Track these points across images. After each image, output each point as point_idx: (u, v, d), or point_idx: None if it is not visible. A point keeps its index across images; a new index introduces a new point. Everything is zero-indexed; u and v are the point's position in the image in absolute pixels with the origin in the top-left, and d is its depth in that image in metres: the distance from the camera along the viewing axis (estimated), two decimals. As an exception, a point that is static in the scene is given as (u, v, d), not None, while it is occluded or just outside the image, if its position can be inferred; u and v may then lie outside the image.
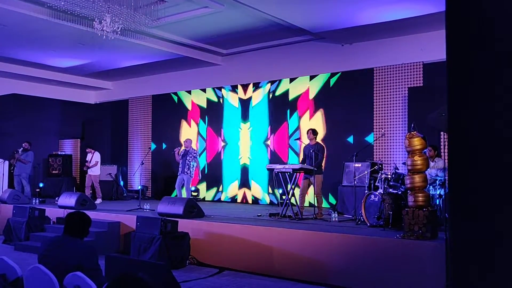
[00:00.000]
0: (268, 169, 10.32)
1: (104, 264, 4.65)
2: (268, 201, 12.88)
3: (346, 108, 11.75)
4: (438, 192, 7.91)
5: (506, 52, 2.48)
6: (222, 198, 13.83)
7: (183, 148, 11.75)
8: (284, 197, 9.59)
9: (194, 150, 11.81)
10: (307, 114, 12.36)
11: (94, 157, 12.87)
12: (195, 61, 13.54)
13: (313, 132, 9.68)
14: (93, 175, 12.82)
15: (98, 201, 12.57)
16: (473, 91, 2.54)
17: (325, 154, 9.75)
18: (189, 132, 14.65)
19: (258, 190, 13.13)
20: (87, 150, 13.12)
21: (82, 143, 16.91)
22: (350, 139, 11.64)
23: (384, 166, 10.05)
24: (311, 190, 9.63)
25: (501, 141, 2.36)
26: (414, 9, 9.31)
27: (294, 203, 9.27)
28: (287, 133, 12.71)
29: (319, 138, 10.23)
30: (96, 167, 12.84)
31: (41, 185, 14.60)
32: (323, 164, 9.78)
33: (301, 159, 10.55)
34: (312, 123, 12.02)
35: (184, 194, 11.57)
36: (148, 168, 15.48)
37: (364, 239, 6.89)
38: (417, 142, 6.76)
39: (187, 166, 11.45)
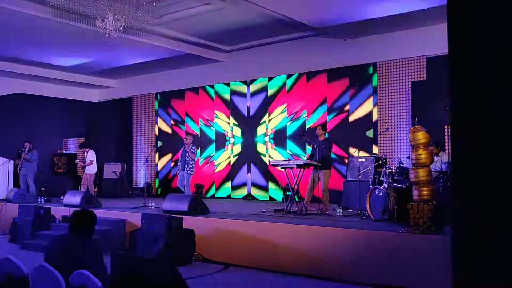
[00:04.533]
0: (272, 164, 10.31)
1: (110, 261, 4.67)
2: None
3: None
4: (443, 186, 7.90)
5: (507, 47, 2.47)
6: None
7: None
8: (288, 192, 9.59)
9: (193, 146, 11.70)
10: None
11: (89, 155, 12.82)
12: (198, 58, 13.53)
13: (323, 127, 9.69)
14: (88, 174, 12.78)
15: None
16: (475, 85, 2.53)
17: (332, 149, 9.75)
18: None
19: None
20: (81, 150, 13.06)
21: (86, 142, 16.94)
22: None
23: (389, 161, 10.03)
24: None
25: (504, 134, 2.36)
26: (417, 2, 9.27)
27: (298, 198, 9.27)
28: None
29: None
30: (91, 166, 12.79)
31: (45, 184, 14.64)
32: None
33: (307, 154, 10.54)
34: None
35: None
36: (153, 165, 15.52)
37: (369, 234, 6.88)
38: (421, 136, 6.74)
39: (187, 163, 11.39)
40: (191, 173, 11.49)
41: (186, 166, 11.35)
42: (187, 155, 11.37)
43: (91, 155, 12.82)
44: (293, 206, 9.13)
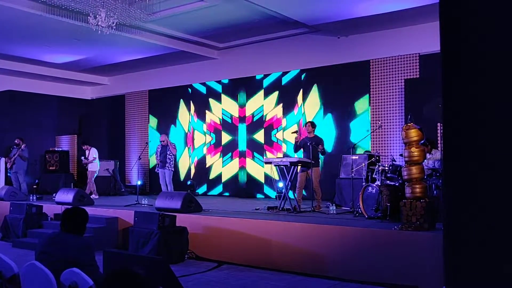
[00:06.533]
0: (265, 162, 10.31)
1: (102, 259, 4.65)
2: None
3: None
4: (435, 183, 7.92)
5: (498, 45, 2.48)
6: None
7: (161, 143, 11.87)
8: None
9: (172, 143, 11.91)
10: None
11: (91, 153, 12.89)
12: (191, 55, 13.49)
13: (312, 124, 9.72)
14: (90, 171, 12.85)
15: (93, 197, 12.62)
16: (468, 83, 2.54)
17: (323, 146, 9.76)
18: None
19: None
20: (83, 147, 13.11)
21: (79, 139, 16.91)
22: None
23: (381, 158, 10.06)
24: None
25: (496, 131, 2.37)
26: (409, 0, 9.28)
27: (292, 196, 9.27)
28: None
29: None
30: (93, 163, 12.85)
31: (36, 181, 14.58)
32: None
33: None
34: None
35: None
36: (145, 163, 15.47)
37: (362, 231, 6.90)
38: (414, 134, 6.75)
39: (168, 161, 11.54)
40: (172, 169, 11.68)
41: (167, 164, 11.50)
42: (168, 152, 11.50)
43: (93, 152, 12.93)
44: (287, 203, 9.13)
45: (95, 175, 13.02)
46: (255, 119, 13.34)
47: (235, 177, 13.67)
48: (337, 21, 10.51)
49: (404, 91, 10.77)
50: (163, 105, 15.26)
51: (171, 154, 11.57)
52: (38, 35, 11.71)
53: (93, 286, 3.43)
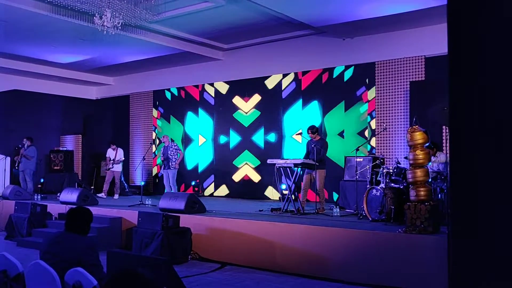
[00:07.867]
0: (269, 163, 10.30)
1: (106, 259, 4.65)
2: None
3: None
4: (440, 186, 7.89)
5: (506, 47, 2.47)
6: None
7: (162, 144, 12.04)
8: (285, 192, 9.58)
9: (174, 144, 12.01)
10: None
11: (119, 153, 13.04)
12: (196, 56, 13.50)
13: (314, 128, 9.69)
14: (116, 171, 12.97)
15: (116, 196, 12.78)
16: (474, 85, 2.53)
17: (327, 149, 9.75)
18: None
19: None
20: (111, 147, 13.18)
21: (83, 139, 16.96)
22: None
23: (386, 161, 10.03)
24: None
25: (502, 135, 2.36)
26: (415, 2, 9.26)
27: (296, 198, 9.26)
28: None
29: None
30: (119, 164, 13.02)
31: (41, 180, 14.63)
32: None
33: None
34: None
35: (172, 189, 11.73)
36: (149, 163, 15.49)
37: (366, 234, 6.88)
38: (419, 136, 6.73)
39: (170, 161, 11.60)
40: (176, 169, 11.77)
41: (169, 163, 11.58)
42: (169, 152, 11.59)
43: (121, 153, 13.11)
44: (290, 205, 9.13)
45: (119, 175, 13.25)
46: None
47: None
48: (343, 23, 10.50)
49: (409, 94, 10.74)
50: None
51: (172, 155, 11.65)
52: (44, 35, 11.75)
53: (97, 286, 3.44)
